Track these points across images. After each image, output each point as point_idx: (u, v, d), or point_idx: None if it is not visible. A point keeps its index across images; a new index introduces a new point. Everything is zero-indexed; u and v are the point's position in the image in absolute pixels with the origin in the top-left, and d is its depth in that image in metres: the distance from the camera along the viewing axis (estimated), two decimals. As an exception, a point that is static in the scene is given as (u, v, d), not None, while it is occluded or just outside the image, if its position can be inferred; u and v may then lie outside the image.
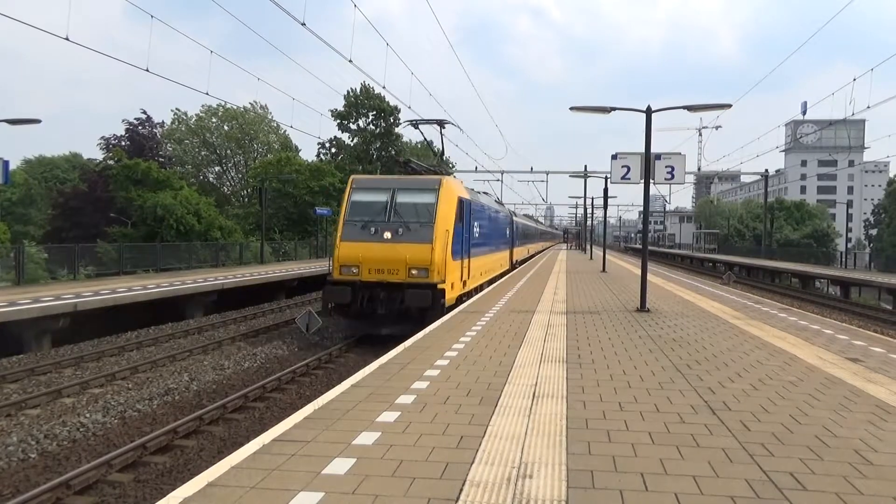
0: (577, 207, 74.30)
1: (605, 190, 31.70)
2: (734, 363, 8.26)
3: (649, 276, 16.25)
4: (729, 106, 14.92)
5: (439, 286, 14.49)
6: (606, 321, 12.28)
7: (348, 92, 56.05)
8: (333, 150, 59.48)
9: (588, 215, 57.70)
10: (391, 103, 54.67)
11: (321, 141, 59.61)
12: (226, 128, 60.72)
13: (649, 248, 16.88)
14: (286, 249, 39.54)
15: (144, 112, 53.07)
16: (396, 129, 57.77)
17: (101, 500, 6.90)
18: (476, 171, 49.73)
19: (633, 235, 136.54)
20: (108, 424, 9.41)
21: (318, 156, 59.53)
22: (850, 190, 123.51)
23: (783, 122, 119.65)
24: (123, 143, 47.77)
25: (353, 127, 57.52)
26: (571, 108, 15.32)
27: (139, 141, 48.60)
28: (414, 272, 14.55)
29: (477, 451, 4.75)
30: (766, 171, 54.14)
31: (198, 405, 10.45)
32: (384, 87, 23.17)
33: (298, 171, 47.69)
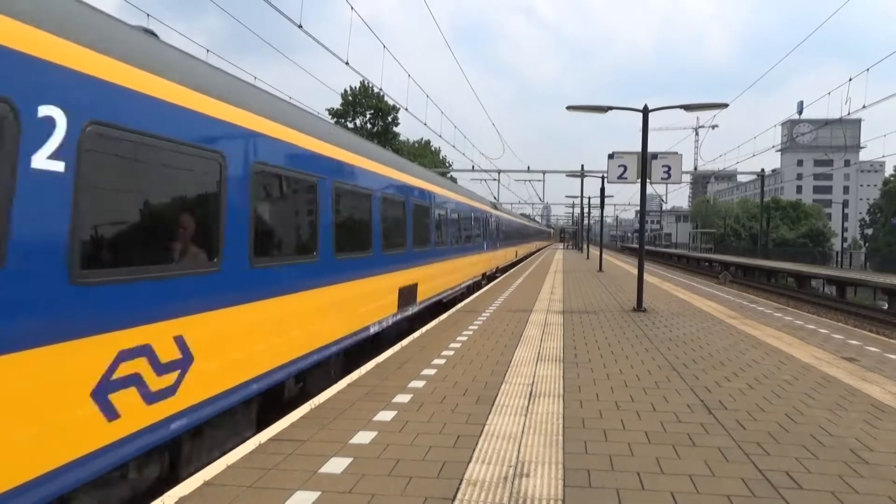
0: (573, 207, 74.53)
1: (602, 189, 31.70)
2: (730, 362, 8.28)
3: (646, 276, 16.29)
4: (726, 105, 14.95)
5: None
6: (603, 320, 12.29)
7: (345, 90, 56.06)
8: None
9: (584, 215, 57.74)
10: (388, 103, 54.68)
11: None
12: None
13: (646, 247, 16.93)
14: None
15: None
16: (394, 129, 57.78)
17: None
18: (473, 170, 49.67)
19: (629, 235, 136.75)
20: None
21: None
22: (846, 190, 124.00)
23: (778, 121, 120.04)
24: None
25: (351, 126, 57.53)
26: (568, 108, 15.36)
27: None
28: None
29: (474, 450, 4.75)
30: (763, 170, 54.08)
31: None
32: (381, 89, 23.06)
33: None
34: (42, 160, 3.36)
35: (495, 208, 26.33)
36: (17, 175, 3.21)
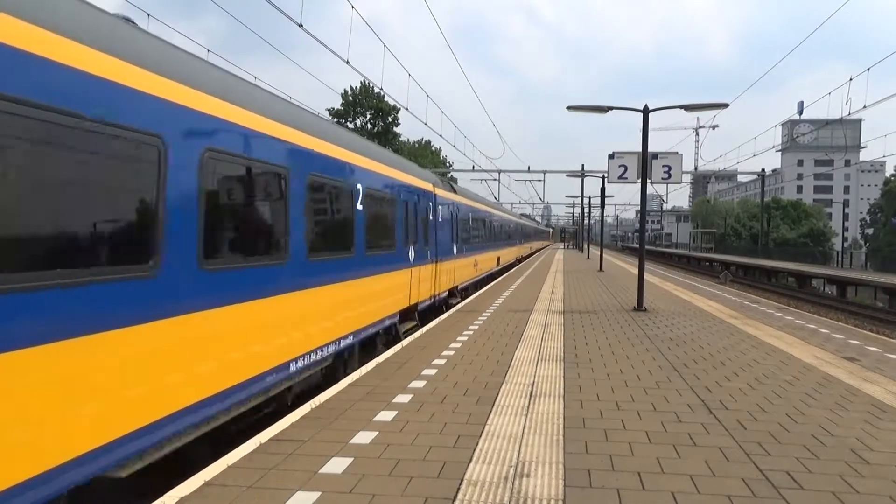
0: (574, 206, 74.48)
1: (602, 189, 31.72)
2: (731, 362, 8.27)
3: (646, 276, 16.28)
4: (726, 105, 14.95)
5: None
6: (603, 320, 12.29)
7: (346, 90, 56.04)
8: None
9: (585, 215, 57.74)
10: (389, 103, 54.65)
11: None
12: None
13: (646, 247, 16.92)
14: None
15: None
16: (395, 129, 57.76)
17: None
18: (473, 170, 49.64)
19: (630, 235, 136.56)
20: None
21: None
22: (847, 189, 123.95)
23: (779, 121, 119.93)
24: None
25: (351, 126, 57.50)
26: (568, 108, 15.37)
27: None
28: None
29: (474, 450, 4.75)
30: (763, 170, 54.08)
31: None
32: (381, 89, 23.06)
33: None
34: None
35: (453, 191, 17.36)
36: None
